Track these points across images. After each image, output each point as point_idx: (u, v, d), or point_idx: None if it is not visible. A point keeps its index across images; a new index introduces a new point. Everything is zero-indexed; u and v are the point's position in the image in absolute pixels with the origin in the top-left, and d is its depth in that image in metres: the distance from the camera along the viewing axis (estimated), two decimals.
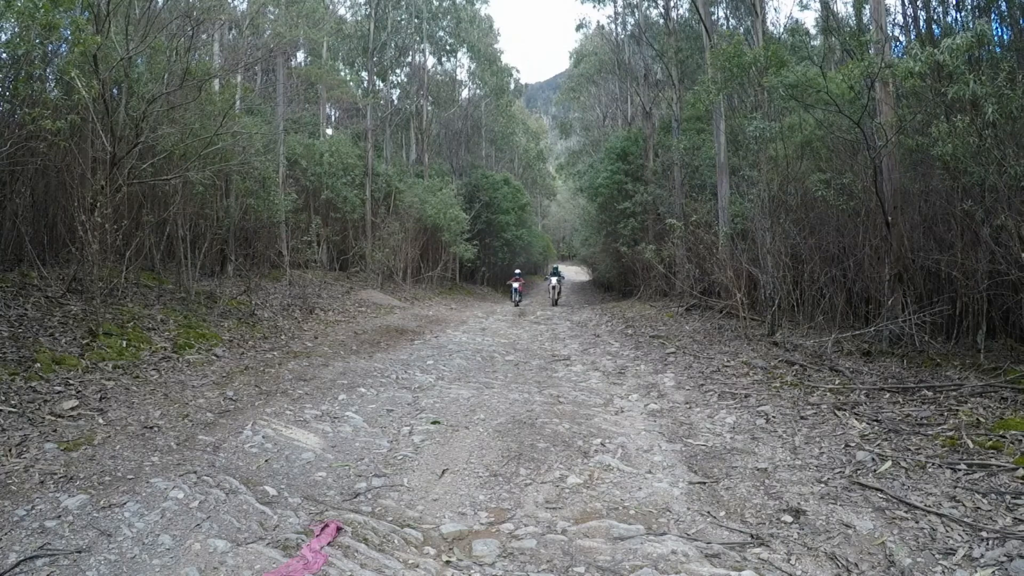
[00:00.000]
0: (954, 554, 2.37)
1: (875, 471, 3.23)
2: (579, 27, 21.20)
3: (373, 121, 19.00)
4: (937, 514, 2.67)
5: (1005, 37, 7.18)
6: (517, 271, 19.00)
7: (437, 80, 24.73)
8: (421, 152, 22.67)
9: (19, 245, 6.44)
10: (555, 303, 18.14)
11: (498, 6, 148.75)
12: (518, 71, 28.80)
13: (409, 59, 23.01)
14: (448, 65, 25.77)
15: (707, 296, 10.56)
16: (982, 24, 5.49)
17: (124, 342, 5.52)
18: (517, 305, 16.89)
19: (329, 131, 20.29)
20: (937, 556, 2.38)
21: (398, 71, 23.45)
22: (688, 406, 4.93)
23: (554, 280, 18.66)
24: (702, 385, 5.59)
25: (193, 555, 2.36)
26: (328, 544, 2.49)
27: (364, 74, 22.03)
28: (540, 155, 36.71)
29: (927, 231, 6.34)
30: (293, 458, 3.56)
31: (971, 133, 5.14)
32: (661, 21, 16.56)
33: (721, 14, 16.02)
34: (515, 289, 17.38)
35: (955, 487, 2.94)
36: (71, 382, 4.44)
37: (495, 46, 26.26)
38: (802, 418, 4.31)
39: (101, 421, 3.91)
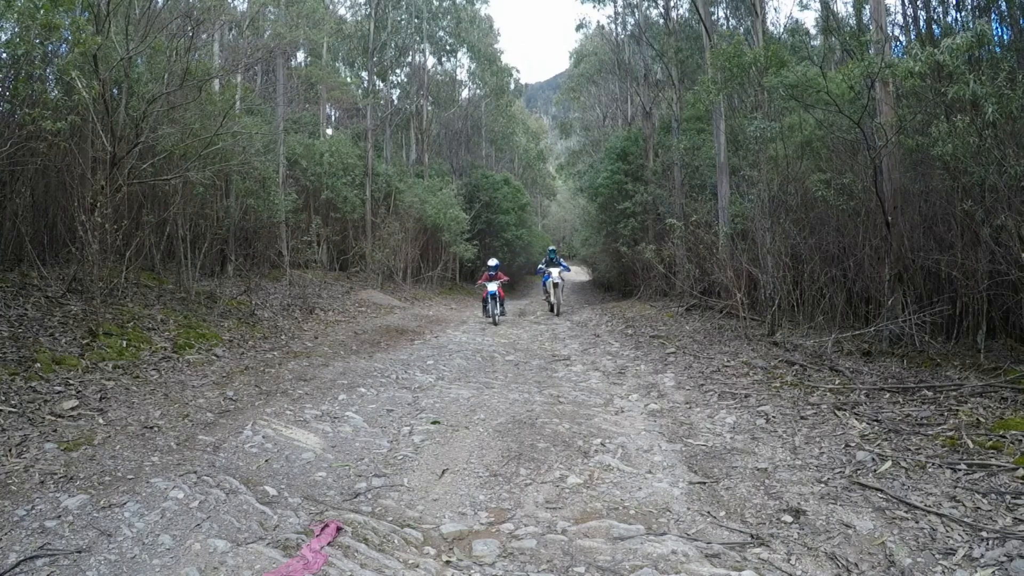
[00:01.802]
0: (954, 554, 2.37)
1: (875, 471, 3.23)
2: (579, 27, 21.18)
3: (373, 121, 19.00)
4: (937, 514, 2.67)
5: (1005, 37, 7.18)
6: (493, 264, 12.19)
7: (437, 80, 24.74)
8: (421, 152, 22.68)
9: (19, 245, 6.44)
10: (555, 310, 12.70)
11: (498, 6, 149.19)
12: (518, 71, 28.87)
13: (409, 59, 23.01)
14: (448, 65, 25.80)
15: (707, 296, 10.56)
16: (982, 24, 5.48)
17: (124, 342, 5.52)
18: (496, 323, 11.20)
19: (329, 131, 20.30)
20: (937, 556, 2.38)
21: (398, 71, 23.46)
22: (688, 406, 4.93)
23: (555, 273, 12.56)
24: (702, 385, 5.59)
25: (193, 555, 2.36)
26: (328, 544, 2.49)
27: (364, 74, 22.04)
28: (540, 155, 36.72)
29: (927, 231, 6.33)
30: (293, 458, 3.56)
31: (971, 133, 5.14)
32: (661, 21, 16.57)
33: (721, 14, 16.02)
34: (492, 295, 11.47)
35: (955, 487, 2.94)
36: (71, 382, 4.44)
37: (495, 46, 26.30)
38: (802, 418, 4.31)
39: (101, 421, 3.91)
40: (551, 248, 13.69)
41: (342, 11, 21.51)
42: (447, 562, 2.47)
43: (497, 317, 11.54)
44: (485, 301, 11.88)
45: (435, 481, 3.33)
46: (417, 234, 17.62)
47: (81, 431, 3.68)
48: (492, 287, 11.56)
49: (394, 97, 23.36)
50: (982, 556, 2.33)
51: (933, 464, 3.22)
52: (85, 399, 4.22)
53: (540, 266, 13.71)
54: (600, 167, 18.28)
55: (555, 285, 12.70)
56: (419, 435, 4.11)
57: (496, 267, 12.24)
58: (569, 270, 14.00)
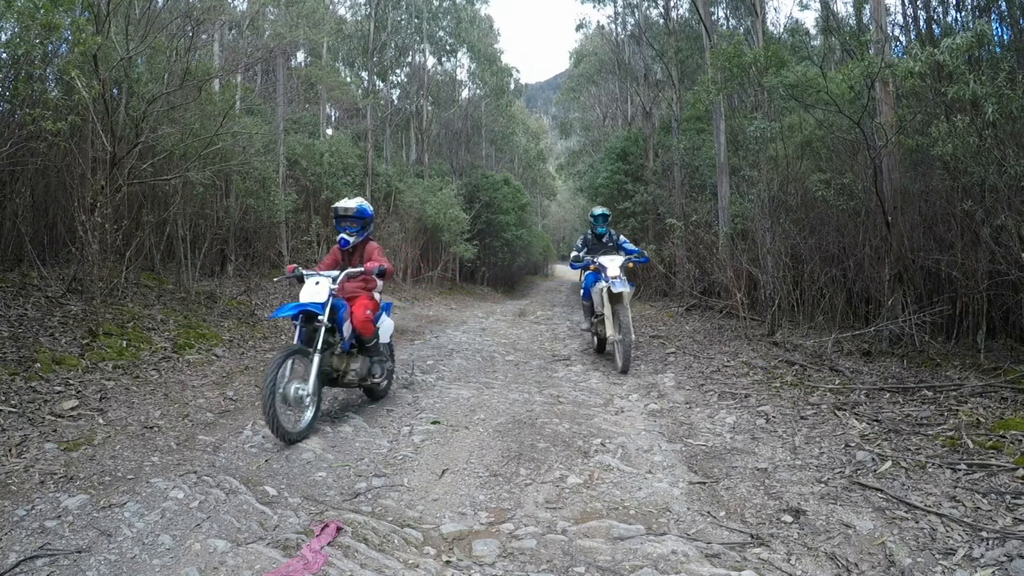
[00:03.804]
0: (954, 554, 2.37)
1: (875, 471, 3.23)
2: (579, 27, 21.25)
3: (373, 121, 19.00)
4: (937, 514, 2.67)
5: (1005, 37, 7.18)
6: (351, 210, 4.45)
7: (437, 80, 24.77)
8: (421, 152, 22.69)
9: (19, 245, 6.44)
10: (618, 355, 6.15)
11: (498, 6, 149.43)
12: (518, 71, 28.85)
13: (409, 59, 23.04)
14: (448, 65, 25.83)
15: (707, 296, 10.56)
16: (982, 24, 5.49)
17: (124, 342, 5.51)
18: (290, 439, 3.56)
19: (329, 131, 20.28)
20: (937, 556, 2.38)
21: (398, 71, 23.50)
22: (688, 406, 4.93)
23: (612, 269, 6.07)
24: (702, 385, 5.59)
25: (193, 555, 2.36)
26: (328, 544, 2.49)
27: (364, 74, 22.08)
28: (540, 155, 36.74)
29: (927, 231, 6.34)
30: (293, 458, 3.56)
31: (971, 133, 5.14)
32: (661, 21, 16.58)
33: (721, 14, 16.04)
34: (300, 310, 3.80)
35: (955, 487, 2.94)
36: (71, 382, 4.44)
37: (495, 46, 26.32)
38: (802, 418, 4.31)
39: (101, 421, 3.91)
40: (599, 213, 7.15)
41: (342, 11, 21.52)
42: (447, 562, 2.47)
43: (306, 420, 3.77)
44: (296, 330, 4.00)
45: (435, 481, 3.33)
46: (417, 234, 17.62)
47: (81, 431, 3.68)
48: (313, 290, 3.96)
49: (394, 97, 23.38)
50: (982, 556, 2.33)
51: (933, 464, 3.22)
52: (85, 399, 4.22)
53: (575, 253, 7.06)
54: (600, 167, 18.30)
55: (613, 297, 6.06)
56: (419, 435, 4.11)
57: (361, 232, 4.74)
58: (646, 259, 6.96)
